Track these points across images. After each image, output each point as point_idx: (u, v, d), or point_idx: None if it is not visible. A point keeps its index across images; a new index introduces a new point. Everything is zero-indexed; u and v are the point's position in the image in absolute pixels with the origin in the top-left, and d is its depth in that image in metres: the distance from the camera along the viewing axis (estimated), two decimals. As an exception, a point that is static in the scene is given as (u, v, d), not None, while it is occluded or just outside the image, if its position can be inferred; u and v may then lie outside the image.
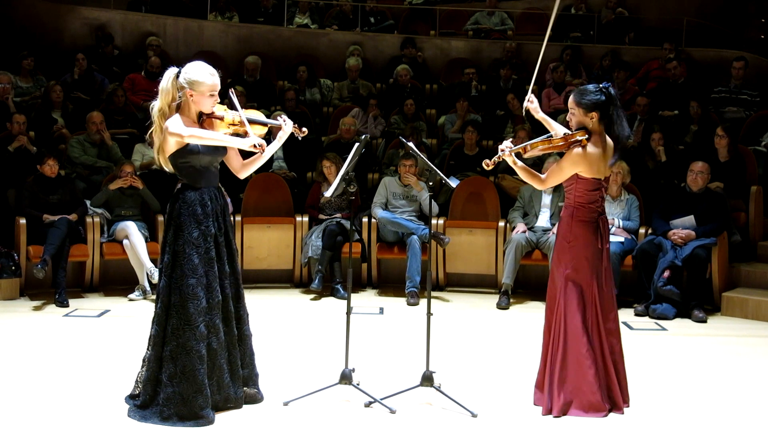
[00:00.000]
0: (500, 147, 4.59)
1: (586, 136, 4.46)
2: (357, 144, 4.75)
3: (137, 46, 11.47)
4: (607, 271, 4.56)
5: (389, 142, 9.68)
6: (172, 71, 4.30)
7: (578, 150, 4.45)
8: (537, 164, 7.65)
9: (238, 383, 4.44)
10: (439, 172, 5.07)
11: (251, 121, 4.38)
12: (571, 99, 4.56)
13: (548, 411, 4.48)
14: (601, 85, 4.50)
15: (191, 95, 4.26)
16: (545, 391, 4.52)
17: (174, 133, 4.18)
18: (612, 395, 4.51)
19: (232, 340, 4.40)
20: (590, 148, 4.45)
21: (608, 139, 4.52)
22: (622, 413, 4.48)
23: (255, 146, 4.23)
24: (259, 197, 8.47)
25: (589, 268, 4.49)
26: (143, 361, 4.42)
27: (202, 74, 4.28)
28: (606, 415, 4.44)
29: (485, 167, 4.61)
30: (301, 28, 12.38)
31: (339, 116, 10.00)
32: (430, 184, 4.94)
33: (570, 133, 4.54)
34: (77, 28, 11.50)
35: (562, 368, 4.47)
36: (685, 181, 7.55)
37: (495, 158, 4.59)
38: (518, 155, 4.59)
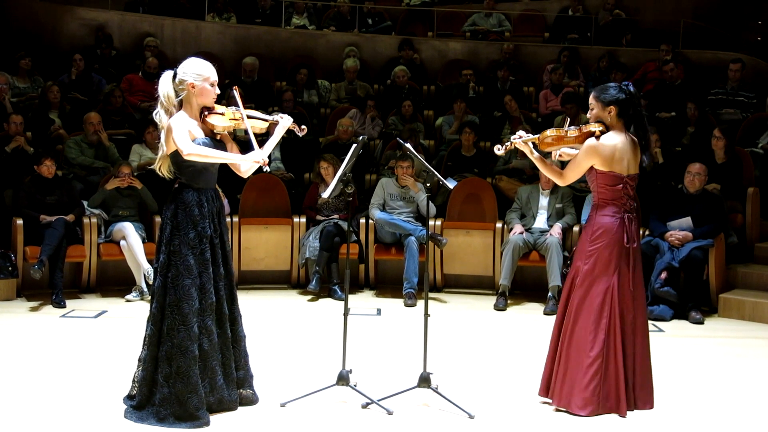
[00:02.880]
0: (513, 137, 4.62)
1: (601, 128, 4.50)
2: (355, 145, 4.75)
3: (135, 47, 11.47)
4: (636, 272, 4.54)
5: (387, 143, 9.68)
6: (167, 74, 4.33)
7: (591, 141, 4.49)
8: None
9: (232, 385, 4.43)
10: (436, 173, 5.06)
11: (250, 117, 4.41)
12: (591, 95, 4.62)
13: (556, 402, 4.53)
14: (622, 84, 4.56)
15: (193, 87, 4.28)
16: (553, 381, 4.56)
17: (177, 145, 4.19)
18: (618, 397, 4.48)
19: (225, 342, 4.40)
20: (605, 139, 4.48)
21: (632, 137, 4.53)
22: (624, 416, 4.46)
23: (258, 161, 4.29)
24: (257, 198, 8.46)
25: (611, 266, 4.48)
26: (139, 361, 4.41)
27: (202, 65, 4.34)
28: (591, 414, 4.43)
29: (496, 152, 4.66)
30: (299, 29, 12.38)
31: (336, 117, 9.99)
32: (428, 185, 4.93)
33: (585, 125, 4.57)
34: (75, 29, 11.50)
35: (566, 362, 4.50)
36: (682, 182, 7.55)
37: (507, 144, 4.62)
38: (534, 146, 4.61)
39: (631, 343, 4.51)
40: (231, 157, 4.37)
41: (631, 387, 4.53)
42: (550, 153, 4.83)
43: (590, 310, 4.48)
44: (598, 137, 4.49)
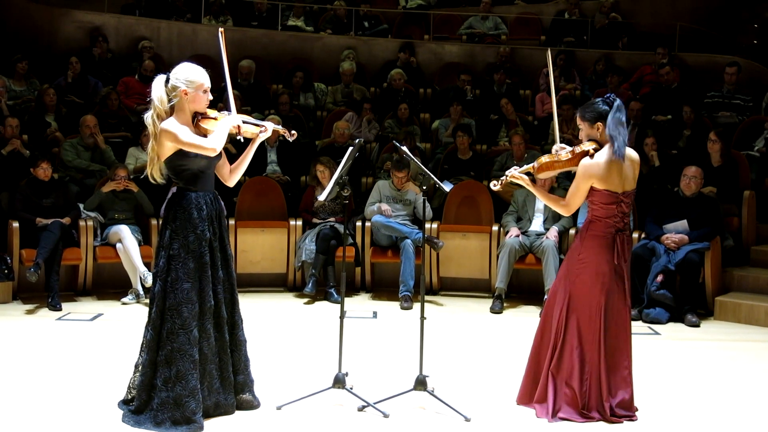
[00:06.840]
0: (507, 172, 4.58)
1: (594, 146, 4.46)
2: (351, 148, 4.76)
3: (131, 50, 11.47)
4: (621, 290, 4.49)
5: (383, 146, 9.68)
6: (160, 78, 4.32)
7: (585, 160, 4.44)
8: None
9: (229, 389, 4.42)
10: (432, 176, 5.08)
11: (244, 122, 4.43)
12: (577, 115, 4.57)
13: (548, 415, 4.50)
14: (606, 97, 4.48)
15: (186, 93, 4.27)
16: (547, 396, 4.53)
17: (197, 149, 4.20)
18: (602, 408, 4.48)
19: (223, 346, 4.40)
20: (598, 157, 4.42)
21: (629, 152, 4.49)
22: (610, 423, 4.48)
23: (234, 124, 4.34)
24: (253, 201, 8.45)
25: (598, 284, 4.44)
26: (135, 366, 4.41)
27: (196, 72, 4.32)
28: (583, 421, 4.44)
29: (493, 188, 4.61)
30: (295, 31, 12.38)
31: (333, 120, 9.99)
32: (424, 188, 4.95)
33: (578, 145, 4.53)
34: (71, 32, 11.50)
35: (557, 377, 4.50)
36: (679, 185, 7.56)
37: (503, 180, 4.57)
38: (529, 175, 4.57)
39: (626, 355, 4.49)
40: (221, 129, 4.30)
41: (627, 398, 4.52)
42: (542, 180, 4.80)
43: (573, 329, 4.46)
44: (591, 156, 4.43)
